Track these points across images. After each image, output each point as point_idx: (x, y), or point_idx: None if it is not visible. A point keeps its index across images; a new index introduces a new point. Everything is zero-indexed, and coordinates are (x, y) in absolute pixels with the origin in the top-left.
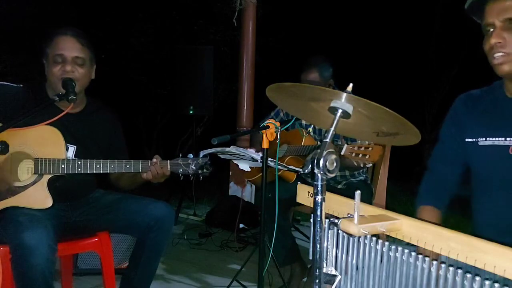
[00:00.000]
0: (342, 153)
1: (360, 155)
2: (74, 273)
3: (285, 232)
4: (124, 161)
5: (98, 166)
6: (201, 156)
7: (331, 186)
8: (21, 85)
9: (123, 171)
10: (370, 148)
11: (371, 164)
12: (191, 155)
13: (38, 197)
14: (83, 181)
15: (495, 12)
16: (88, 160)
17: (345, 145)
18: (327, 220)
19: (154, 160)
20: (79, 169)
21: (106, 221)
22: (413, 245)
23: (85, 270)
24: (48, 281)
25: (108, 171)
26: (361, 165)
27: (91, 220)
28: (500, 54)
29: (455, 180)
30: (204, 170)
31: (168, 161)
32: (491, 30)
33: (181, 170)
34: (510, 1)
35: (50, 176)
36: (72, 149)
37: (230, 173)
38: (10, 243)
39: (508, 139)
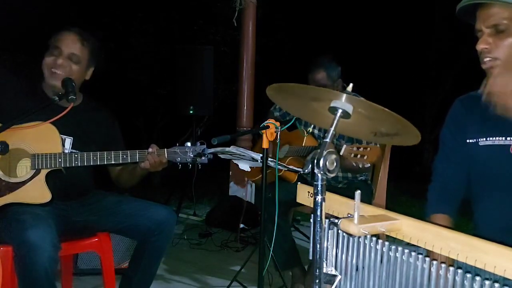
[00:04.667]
0: (341, 153)
1: (359, 156)
2: (74, 273)
3: (284, 234)
4: (120, 151)
5: (95, 158)
6: (198, 144)
7: (331, 186)
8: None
9: (120, 161)
10: (369, 149)
11: (369, 165)
12: (188, 143)
13: (37, 192)
14: (81, 178)
15: (482, 19)
16: (85, 153)
17: (344, 146)
18: (327, 220)
19: (151, 149)
20: (76, 162)
21: (106, 222)
22: (413, 245)
23: (85, 270)
24: (51, 279)
25: (106, 163)
26: (360, 166)
27: (92, 221)
28: (488, 59)
29: (462, 183)
30: (202, 158)
31: (165, 149)
32: (480, 35)
33: (179, 158)
34: (496, 8)
35: (47, 170)
36: (69, 140)
37: (230, 173)
38: (14, 241)
39: (508, 138)
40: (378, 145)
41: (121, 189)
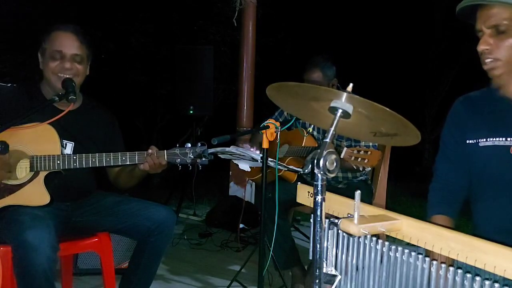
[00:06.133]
0: (342, 156)
1: (359, 159)
2: (74, 273)
3: (284, 233)
4: (119, 153)
5: (94, 160)
6: (199, 145)
7: (331, 186)
8: (14, 84)
9: (119, 163)
10: (369, 153)
11: (369, 168)
12: (188, 144)
13: (36, 194)
14: (82, 179)
15: (483, 19)
16: (84, 154)
17: (345, 148)
18: (327, 220)
19: (150, 150)
20: (75, 164)
21: (106, 223)
22: (413, 245)
23: (85, 270)
24: (50, 279)
25: (104, 165)
26: (360, 169)
27: (92, 221)
28: (489, 60)
29: (463, 184)
30: (203, 159)
31: (165, 150)
32: (480, 35)
33: (179, 160)
34: (496, 9)
35: (46, 172)
36: (70, 145)
37: (230, 173)
38: (12, 242)
39: (508, 139)
40: (378, 149)
41: (121, 189)
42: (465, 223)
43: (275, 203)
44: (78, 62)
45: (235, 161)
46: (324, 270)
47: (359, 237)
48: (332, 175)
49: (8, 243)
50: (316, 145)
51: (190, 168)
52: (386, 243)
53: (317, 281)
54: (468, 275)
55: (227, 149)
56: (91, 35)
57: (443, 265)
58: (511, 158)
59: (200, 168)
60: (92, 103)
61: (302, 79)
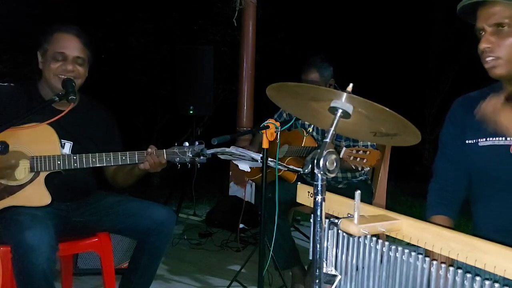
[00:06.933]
0: (341, 156)
1: (358, 159)
2: (74, 273)
3: (284, 233)
4: (119, 153)
5: (94, 160)
6: (196, 144)
7: (331, 186)
8: (12, 84)
9: (119, 163)
10: (368, 152)
11: (368, 168)
12: (186, 143)
13: (36, 195)
14: (82, 179)
15: (484, 17)
16: (84, 154)
17: (344, 148)
18: (327, 220)
19: (149, 150)
20: (75, 164)
21: (106, 222)
22: (413, 245)
23: (85, 270)
24: (49, 280)
25: (105, 164)
26: (359, 169)
27: (91, 221)
28: (490, 58)
29: (462, 184)
30: (201, 157)
31: (164, 150)
32: (482, 34)
33: (178, 158)
34: (498, 7)
35: (46, 173)
36: (68, 145)
37: (230, 173)
38: (11, 242)
39: (508, 138)
40: (377, 149)
41: (121, 189)
42: (465, 223)
43: (275, 203)
44: (80, 64)
45: (235, 162)
46: (324, 270)
47: (359, 237)
48: (332, 175)
49: (7, 243)
50: (316, 145)
51: (189, 167)
52: (386, 243)
53: (317, 281)
54: (468, 275)
55: (227, 149)
56: (91, 35)
57: (443, 265)
58: (510, 157)
59: (199, 167)
60: (91, 102)
61: (300, 80)
